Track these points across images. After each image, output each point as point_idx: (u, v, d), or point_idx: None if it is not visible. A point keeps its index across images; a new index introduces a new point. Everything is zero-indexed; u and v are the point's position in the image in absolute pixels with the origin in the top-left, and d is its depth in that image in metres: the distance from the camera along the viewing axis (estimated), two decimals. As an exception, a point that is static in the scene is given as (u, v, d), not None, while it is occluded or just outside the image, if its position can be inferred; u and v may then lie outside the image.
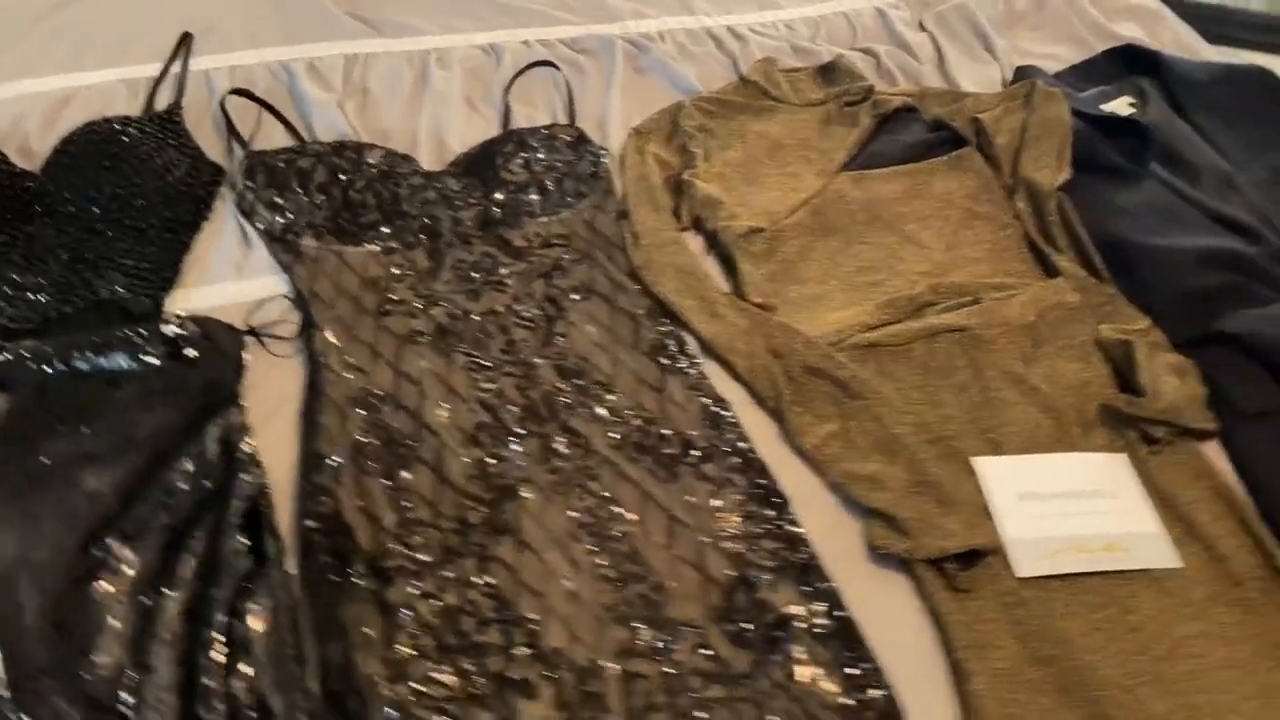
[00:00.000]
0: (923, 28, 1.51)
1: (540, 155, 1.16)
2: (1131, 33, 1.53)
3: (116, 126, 1.08)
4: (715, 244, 1.16)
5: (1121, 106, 1.41)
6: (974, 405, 1.04)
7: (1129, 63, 1.47)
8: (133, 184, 1.06)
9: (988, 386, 1.05)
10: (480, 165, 1.15)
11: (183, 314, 0.98)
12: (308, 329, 1.00)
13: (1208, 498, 1.00)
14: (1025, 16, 1.56)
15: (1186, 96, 1.41)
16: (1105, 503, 0.99)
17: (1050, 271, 1.17)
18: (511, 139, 1.17)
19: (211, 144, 1.18)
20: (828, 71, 1.37)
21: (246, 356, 0.98)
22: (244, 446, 0.90)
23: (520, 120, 1.25)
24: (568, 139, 1.19)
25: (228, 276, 1.05)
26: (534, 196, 1.13)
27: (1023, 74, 1.41)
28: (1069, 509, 0.98)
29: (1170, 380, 1.04)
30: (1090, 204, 1.22)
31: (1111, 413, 1.04)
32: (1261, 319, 1.09)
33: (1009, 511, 0.97)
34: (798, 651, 0.84)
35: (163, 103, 1.21)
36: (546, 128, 1.20)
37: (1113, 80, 1.46)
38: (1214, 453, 1.05)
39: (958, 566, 0.92)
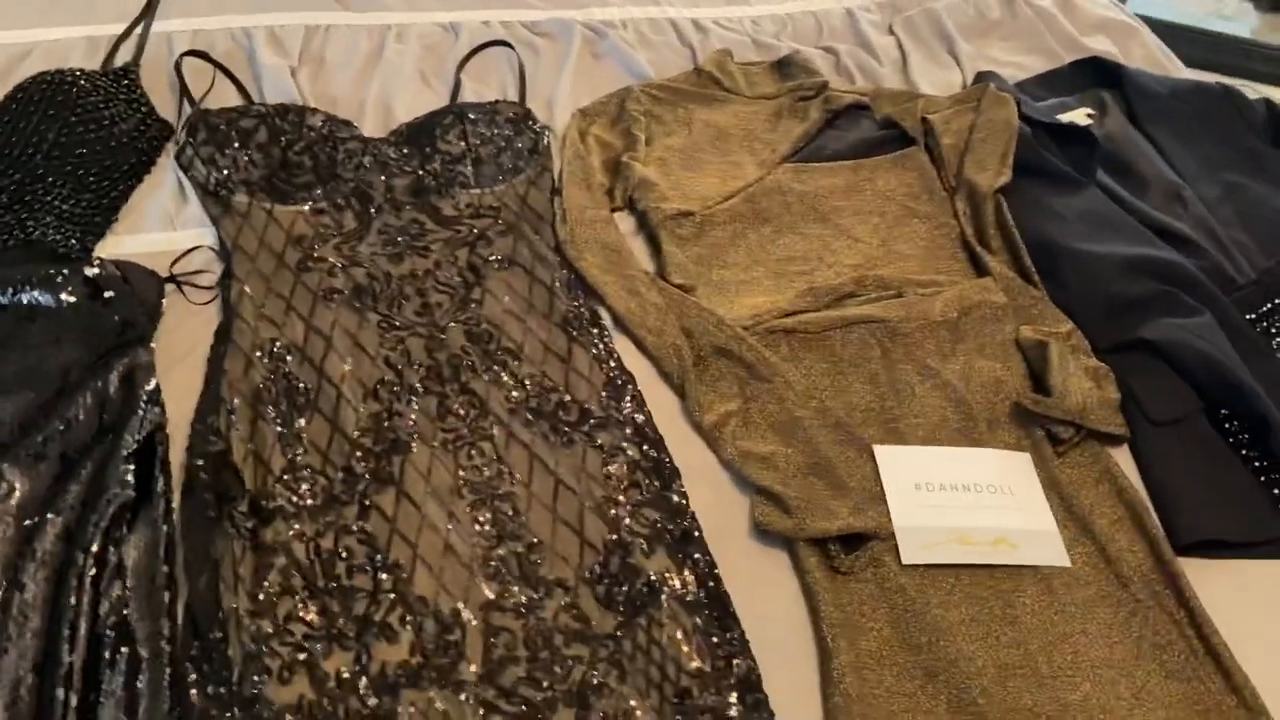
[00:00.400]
0: (891, 32, 1.52)
1: (479, 129, 1.18)
2: (1103, 47, 1.53)
3: (68, 77, 1.12)
4: (645, 225, 1.17)
5: (1080, 116, 1.41)
6: (882, 395, 1.05)
7: (1094, 75, 1.47)
8: (76, 132, 1.09)
9: (898, 378, 1.06)
10: (420, 135, 1.17)
11: (105, 257, 1.01)
12: (226, 279, 1.03)
13: (1108, 500, 1.00)
14: (998, 25, 1.56)
15: (1145, 110, 1.40)
16: (1001, 498, 0.99)
17: (982, 272, 1.17)
18: (452, 111, 1.19)
19: (167, 103, 1.22)
20: (783, 66, 1.38)
21: (164, 302, 1.01)
22: (147, 385, 0.93)
23: (469, 96, 1.27)
24: (511, 115, 1.21)
25: (159, 227, 1.09)
26: (468, 168, 1.15)
27: (982, 79, 1.41)
28: (963, 501, 0.99)
29: (1082, 383, 1.04)
30: (1028, 208, 1.22)
31: (1020, 411, 1.04)
32: (1184, 328, 1.09)
33: (901, 499, 0.97)
34: (664, 617, 0.85)
35: (124, 61, 1.24)
36: (491, 103, 1.22)
37: (1076, 91, 1.47)
38: (1124, 458, 1.05)
39: (841, 549, 0.93)
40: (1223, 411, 1.07)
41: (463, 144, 1.16)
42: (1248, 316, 1.16)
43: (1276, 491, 1.02)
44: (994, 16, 1.56)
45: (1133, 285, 1.13)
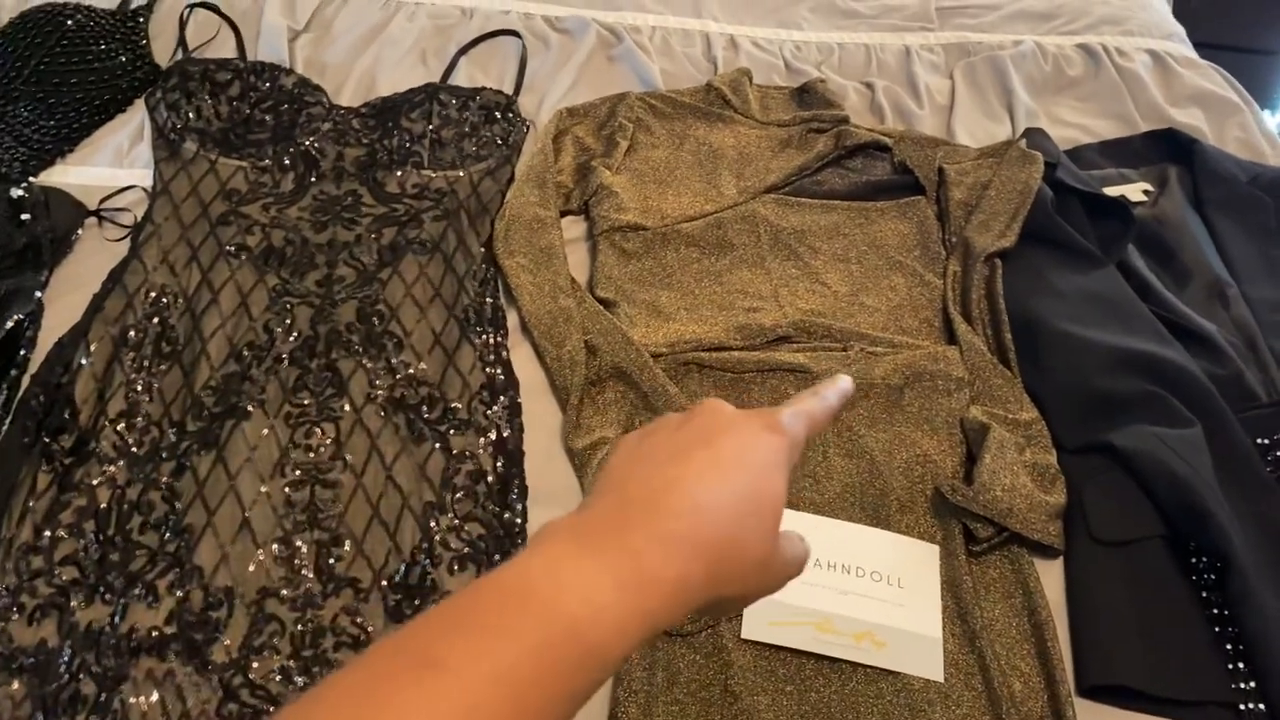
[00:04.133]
0: (951, 77, 1.39)
1: (448, 111, 1.14)
2: (1192, 121, 1.35)
3: (63, 10, 1.15)
4: (593, 233, 1.11)
5: (1135, 192, 1.25)
6: (785, 452, 0.94)
7: (1167, 149, 1.31)
8: (59, 63, 1.12)
9: (811, 438, 0.95)
10: (389, 110, 1.15)
11: (39, 182, 1.03)
12: (143, 222, 1.03)
13: (1015, 617, 0.87)
14: (1076, 84, 1.40)
15: (1213, 194, 1.23)
16: (886, 589, 0.88)
17: (952, 341, 1.05)
18: (427, 90, 1.16)
19: (171, 49, 1.24)
20: (804, 94, 1.29)
21: (79, 233, 1.02)
22: (24, 308, 0.93)
23: (463, 80, 1.24)
24: (488, 103, 1.17)
25: (108, 162, 1.10)
26: (424, 148, 1.12)
27: (1030, 137, 1.27)
28: (839, 583, 0.87)
29: (1016, 478, 0.91)
30: (1025, 278, 1.09)
31: (940, 498, 0.92)
32: (1161, 440, 0.94)
33: (764, 568, 0.87)
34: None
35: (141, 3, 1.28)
36: (475, 89, 1.18)
37: (1142, 164, 1.31)
38: (1058, 579, 0.91)
39: (676, 608, 0.84)
40: (1192, 545, 0.91)
41: (425, 123, 1.13)
42: (1257, 440, 0.99)
43: (1229, 648, 0.86)
44: (1073, 73, 1.41)
45: (1117, 381, 0.99)
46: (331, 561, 0.82)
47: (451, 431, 0.90)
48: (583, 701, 0.37)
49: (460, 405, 0.92)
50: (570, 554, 0.39)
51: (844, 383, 0.53)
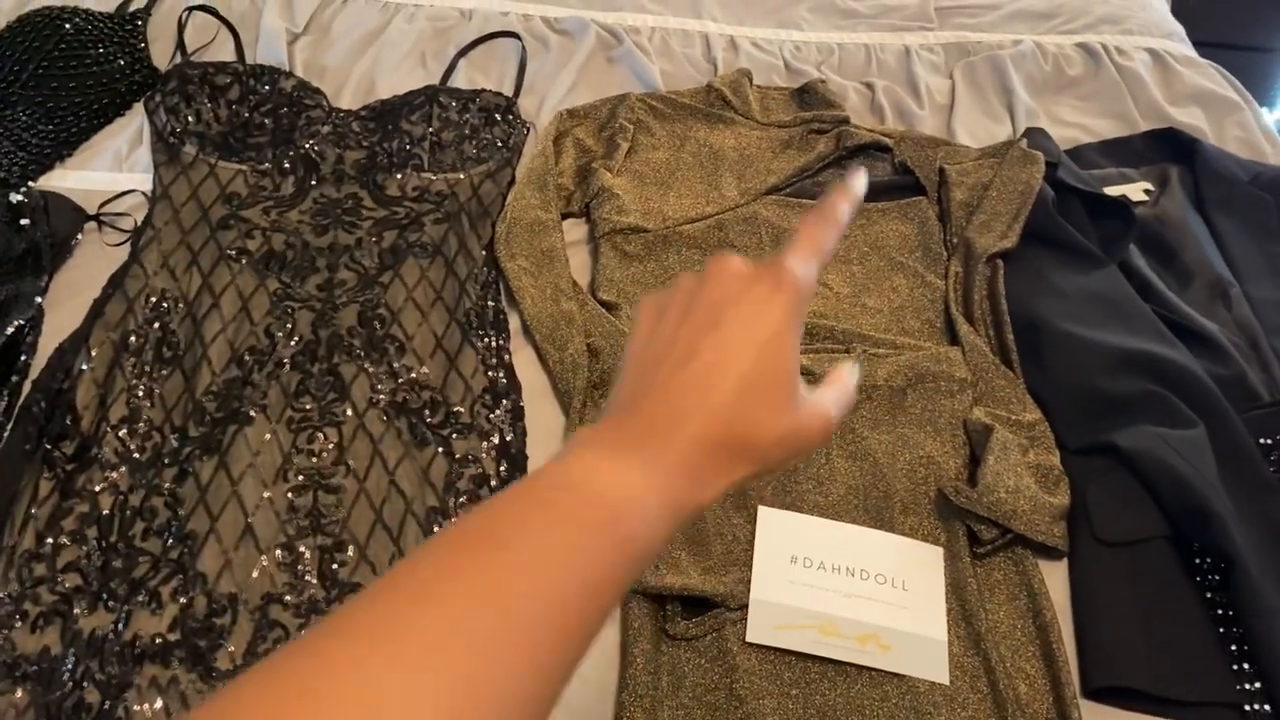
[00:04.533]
0: (951, 76, 1.39)
1: (448, 114, 1.14)
2: (1192, 120, 1.35)
3: (60, 15, 1.15)
4: (595, 235, 1.10)
5: (1135, 191, 1.25)
6: (789, 454, 0.94)
7: (1168, 148, 1.30)
8: (57, 67, 1.12)
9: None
10: (389, 113, 1.14)
11: (37, 187, 1.02)
12: (142, 226, 1.02)
13: (1019, 619, 0.87)
14: (1076, 83, 1.40)
15: (1213, 194, 1.23)
16: (890, 592, 0.87)
17: (954, 342, 1.05)
18: (426, 93, 1.16)
19: (170, 52, 1.24)
20: (804, 95, 1.29)
21: (79, 237, 1.01)
22: (24, 314, 0.93)
23: (463, 82, 1.23)
24: (487, 105, 1.16)
25: (107, 166, 1.10)
26: (424, 151, 1.11)
27: (1028, 136, 1.27)
28: (843, 586, 0.87)
29: (1020, 480, 0.91)
30: (1027, 279, 1.09)
31: (944, 500, 0.92)
32: (1164, 440, 0.94)
33: (769, 569, 0.87)
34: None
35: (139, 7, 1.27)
36: (474, 91, 1.18)
37: (1143, 163, 1.31)
38: (1062, 579, 0.90)
39: (680, 611, 0.84)
40: (1195, 545, 0.91)
41: (425, 126, 1.13)
42: (1260, 440, 0.99)
43: (1233, 648, 0.86)
44: (1073, 73, 1.41)
45: (1120, 382, 0.98)
46: (335, 567, 0.82)
47: (454, 436, 0.90)
48: (626, 587, 0.41)
49: (463, 409, 0.92)
50: (601, 462, 0.42)
51: (858, 185, 0.52)
